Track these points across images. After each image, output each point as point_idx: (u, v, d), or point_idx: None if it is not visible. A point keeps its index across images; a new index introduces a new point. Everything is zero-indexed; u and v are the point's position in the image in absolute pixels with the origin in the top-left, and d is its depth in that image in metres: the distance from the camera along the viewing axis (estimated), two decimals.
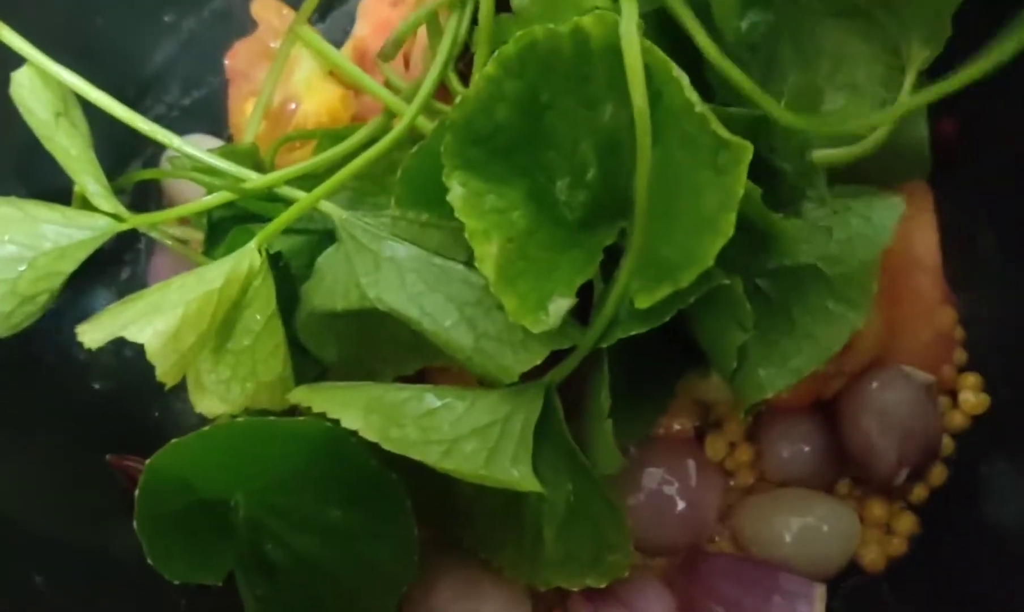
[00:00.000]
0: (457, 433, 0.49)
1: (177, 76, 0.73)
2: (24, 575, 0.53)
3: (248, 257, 0.55)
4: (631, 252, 0.49)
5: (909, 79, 0.60)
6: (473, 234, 0.49)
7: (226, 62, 0.73)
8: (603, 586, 0.52)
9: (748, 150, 0.47)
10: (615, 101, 0.49)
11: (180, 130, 0.69)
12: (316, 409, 0.50)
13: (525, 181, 0.51)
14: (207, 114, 0.73)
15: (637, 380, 0.55)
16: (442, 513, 0.55)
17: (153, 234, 0.63)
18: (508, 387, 0.51)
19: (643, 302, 0.48)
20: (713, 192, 0.48)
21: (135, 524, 0.49)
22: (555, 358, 0.51)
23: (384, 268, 0.54)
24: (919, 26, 0.60)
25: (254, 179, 0.57)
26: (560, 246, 0.51)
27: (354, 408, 0.49)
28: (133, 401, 0.63)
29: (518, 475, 0.48)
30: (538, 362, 0.50)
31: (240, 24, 0.73)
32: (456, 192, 0.49)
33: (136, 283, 0.69)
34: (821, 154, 0.57)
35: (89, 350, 0.50)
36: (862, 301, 0.50)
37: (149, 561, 0.49)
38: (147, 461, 0.50)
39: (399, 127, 0.56)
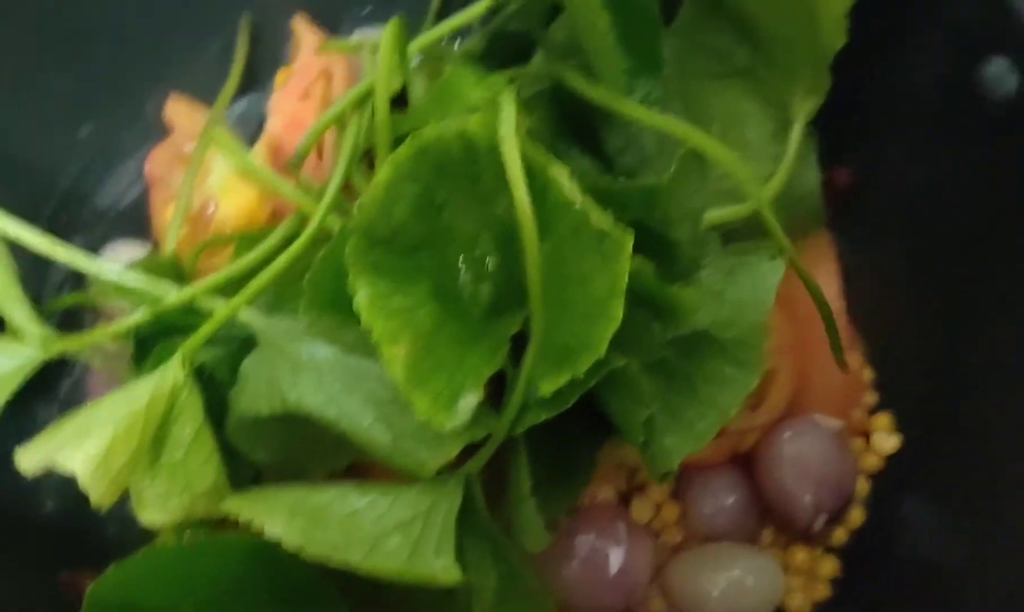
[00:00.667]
0: (380, 531, 0.51)
1: (99, 185, 0.75)
2: None
3: (172, 372, 0.57)
4: (533, 341, 0.51)
5: (796, 131, 0.63)
6: (380, 337, 0.51)
7: (145, 168, 0.74)
8: None
9: (628, 239, 0.49)
10: (506, 195, 0.51)
11: (106, 237, 0.72)
12: (244, 518, 0.52)
13: (429, 279, 0.53)
14: (132, 219, 0.75)
15: (557, 457, 0.57)
16: (380, 607, 0.57)
17: (85, 358, 0.64)
18: (429, 480, 0.53)
19: (546, 389, 0.51)
20: (601, 279, 0.50)
21: None
22: (473, 447, 0.53)
23: (303, 371, 0.56)
24: (800, 79, 0.63)
25: (172, 296, 0.59)
26: (467, 340, 0.53)
27: (278, 515, 0.51)
28: (86, 516, 0.64)
29: (440, 568, 0.50)
30: (452, 457, 0.52)
31: (157, 129, 0.75)
32: (362, 296, 0.51)
33: (78, 392, 0.70)
34: (714, 213, 0.59)
35: None
36: (754, 363, 0.53)
37: None
38: (88, 589, 0.51)
39: (308, 230, 0.59)
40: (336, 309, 0.55)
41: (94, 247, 0.72)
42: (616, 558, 0.59)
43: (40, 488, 0.65)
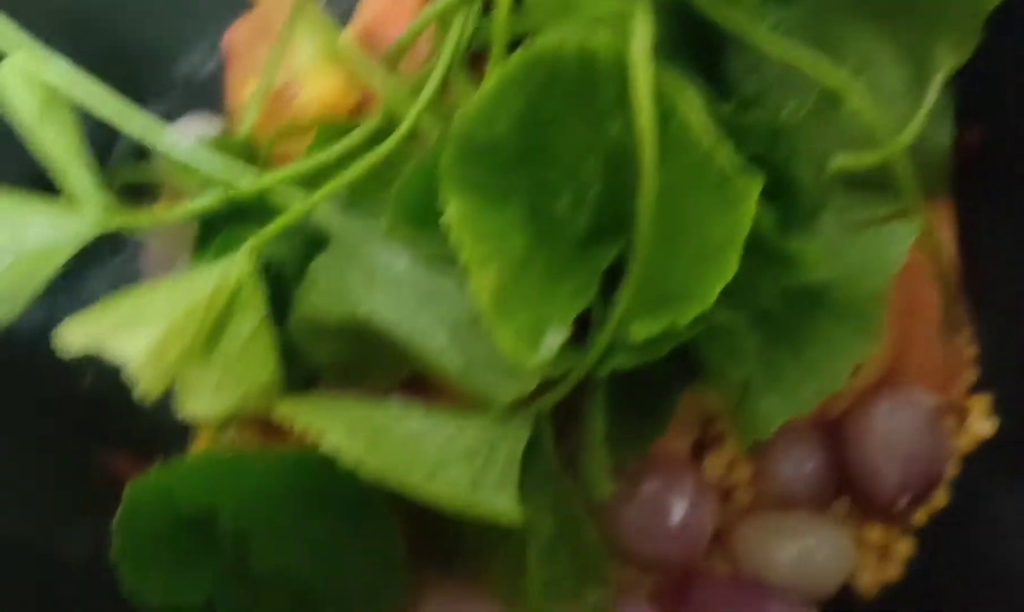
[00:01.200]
0: (442, 457, 0.48)
1: (173, 54, 0.71)
2: None
3: (238, 264, 0.54)
4: (631, 280, 0.48)
5: (936, 83, 0.58)
6: (471, 260, 0.47)
7: (224, 40, 0.70)
8: None
9: (756, 186, 0.45)
10: (623, 118, 0.47)
11: (177, 110, 0.68)
12: (300, 426, 0.49)
13: (525, 200, 0.49)
14: (206, 94, 0.71)
15: (634, 403, 0.53)
16: (430, 530, 0.54)
17: (143, 236, 0.61)
18: (497, 411, 0.50)
19: (640, 334, 0.47)
20: (719, 224, 0.46)
21: (112, 553, 0.49)
22: (547, 383, 0.50)
23: (377, 281, 0.53)
24: (948, 30, 0.58)
25: (247, 182, 0.56)
26: (559, 272, 0.49)
27: (338, 427, 0.48)
28: (124, 396, 0.61)
29: (500, 505, 0.47)
30: (528, 391, 0.49)
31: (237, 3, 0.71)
32: (454, 210, 0.47)
33: (131, 269, 0.67)
34: (842, 159, 0.55)
35: None
36: (871, 330, 0.49)
37: (125, 593, 0.49)
38: (128, 486, 0.49)
39: (400, 130, 0.55)
40: (423, 224, 0.51)
41: (164, 120, 0.68)
42: (679, 510, 0.56)
43: (81, 361, 0.62)
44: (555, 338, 0.47)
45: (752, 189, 0.45)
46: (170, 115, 0.68)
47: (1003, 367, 0.60)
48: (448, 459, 0.48)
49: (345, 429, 0.48)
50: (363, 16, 0.68)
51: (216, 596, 0.53)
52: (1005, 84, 0.60)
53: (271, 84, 0.65)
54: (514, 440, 0.49)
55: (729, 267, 0.45)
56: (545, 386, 0.50)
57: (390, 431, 0.49)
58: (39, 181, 0.58)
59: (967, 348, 0.61)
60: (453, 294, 0.51)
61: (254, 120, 0.63)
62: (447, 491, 0.47)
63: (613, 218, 0.49)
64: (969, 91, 0.59)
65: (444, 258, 0.52)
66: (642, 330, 0.47)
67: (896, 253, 0.49)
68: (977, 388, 0.60)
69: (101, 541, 0.50)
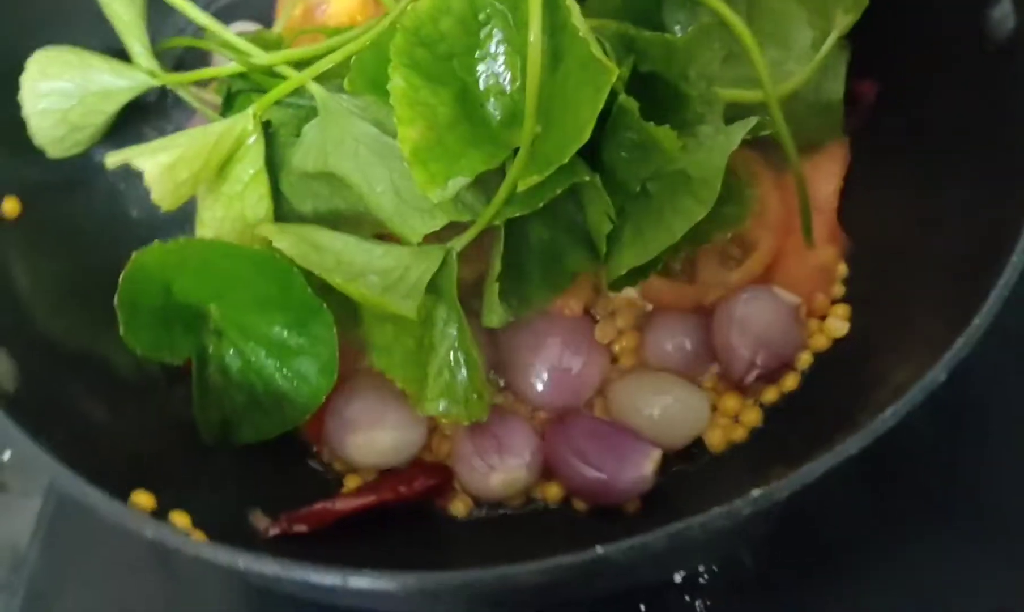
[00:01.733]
0: (365, 267, 0.62)
1: None
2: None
3: (244, 119, 0.69)
4: (521, 149, 0.60)
5: (828, 42, 0.70)
6: (400, 119, 0.61)
7: None
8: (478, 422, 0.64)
9: (614, 71, 0.58)
10: None
11: (232, 16, 0.84)
12: (266, 236, 0.64)
13: (457, 85, 0.63)
14: (262, 7, 0.86)
15: (535, 259, 0.67)
16: (364, 342, 0.68)
17: (182, 94, 0.76)
18: (418, 246, 0.64)
19: (522, 186, 0.60)
20: (586, 103, 0.59)
21: (115, 300, 0.63)
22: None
23: (346, 140, 0.66)
24: None
25: (259, 56, 0.70)
26: (474, 142, 0.62)
27: (290, 237, 0.63)
28: (161, 227, 0.76)
29: (403, 308, 0.60)
30: (438, 226, 0.63)
31: None
32: (396, 84, 0.61)
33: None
34: (729, 91, 0.67)
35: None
36: (709, 197, 0.60)
37: (120, 333, 0.63)
38: (133, 255, 0.63)
39: (376, 22, 0.69)
40: (373, 91, 0.65)
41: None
42: (570, 363, 0.68)
43: (128, 198, 0.77)
44: (458, 182, 0.61)
45: (611, 72, 0.57)
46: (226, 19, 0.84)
47: (865, 286, 0.70)
48: (369, 269, 0.62)
49: (294, 239, 0.63)
50: None
51: (193, 371, 0.67)
52: (898, 43, 0.71)
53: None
54: (425, 267, 0.63)
55: (583, 135, 0.58)
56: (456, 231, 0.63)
57: (330, 245, 0.64)
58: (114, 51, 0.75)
59: (838, 266, 0.71)
60: (396, 150, 0.64)
61: (286, 25, 0.79)
62: (363, 290, 0.61)
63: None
64: (866, 49, 0.70)
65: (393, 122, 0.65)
66: (523, 183, 0.60)
67: (732, 141, 0.60)
68: (841, 300, 0.71)
69: None
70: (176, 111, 0.81)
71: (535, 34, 0.58)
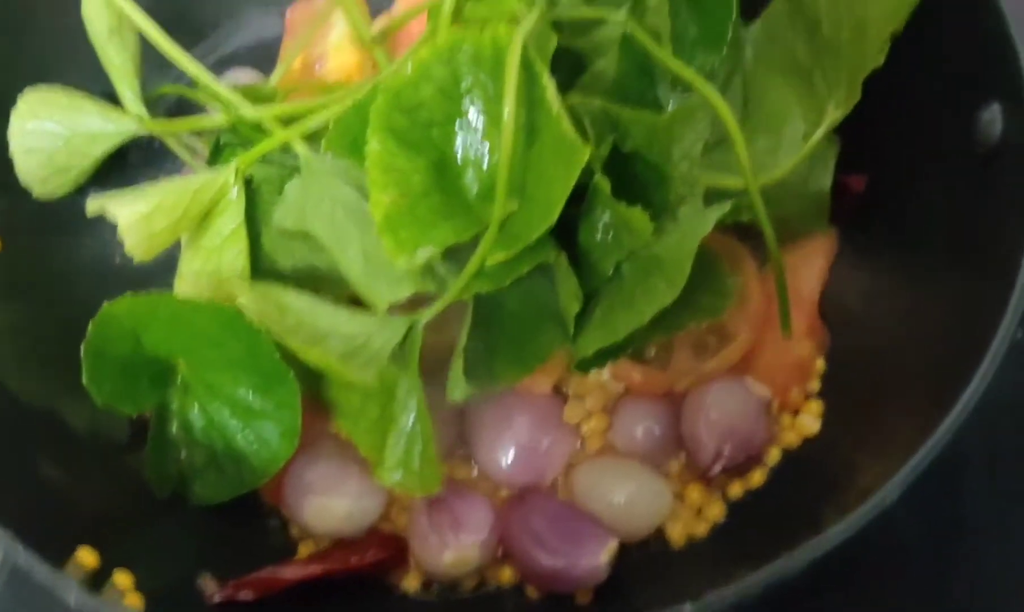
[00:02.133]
0: (326, 332, 0.62)
1: (246, 21, 0.88)
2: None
3: (227, 173, 0.69)
4: (492, 225, 0.60)
5: (817, 135, 0.69)
6: (373, 183, 0.61)
7: (287, 15, 0.86)
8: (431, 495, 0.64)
9: (586, 150, 0.57)
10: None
11: (234, 63, 0.85)
12: (233, 292, 0.63)
13: (436, 152, 0.63)
14: (265, 58, 0.86)
15: (506, 336, 0.66)
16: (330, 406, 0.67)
17: (169, 142, 0.76)
18: (384, 315, 0.63)
19: (490, 262, 0.59)
20: (558, 182, 0.58)
21: (82, 348, 0.62)
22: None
23: (324, 200, 0.66)
24: (838, 89, 0.68)
25: (246, 110, 0.70)
26: (447, 213, 0.62)
27: (254, 294, 0.62)
28: (143, 278, 0.76)
29: (359, 374, 0.60)
30: (404, 296, 0.63)
31: None
32: (373, 148, 0.61)
33: None
34: (711, 175, 0.66)
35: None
36: (679, 281, 0.59)
37: (84, 381, 0.63)
38: (104, 305, 0.63)
39: (362, 85, 0.68)
40: (351, 154, 0.65)
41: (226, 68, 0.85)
42: (542, 441, 0.68)
43: (113, 243, 0.77)
44: (425, 253, 0.60)
45: (583, 151, 0.57)
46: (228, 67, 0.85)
47: (841, 384, 0.69)
48: (332, 334, 0.62)
49: (258, 297, 0.62)
50: (393, 12, 0.83)
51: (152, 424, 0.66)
52: (888, 139, 0.70)
53: (306, 50, 0.81)
54: (389, 336, 0.62)
55: (553, 214, 0.57)
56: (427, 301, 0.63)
57: (296, 306, 0.63)
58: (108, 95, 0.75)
59: (815, 361, 0.70)
60: (371, 217, 0.64)
61: (281, 78, 0.79)
62: (322, 356, 0.60)
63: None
64: (857, 143, 0.70)
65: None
66: (491, 259, 0.59)
67: (704, 225, 0.59)
68: (816, 397, 0.69)
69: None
70: (170, 158, 0.81)
71: (509, 109, 0.58)
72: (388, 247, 0.60)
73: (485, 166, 0.63)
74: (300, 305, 0.63)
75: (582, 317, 0.63)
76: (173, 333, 0.65)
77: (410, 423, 0.63)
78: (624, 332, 0.60)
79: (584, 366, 0.63)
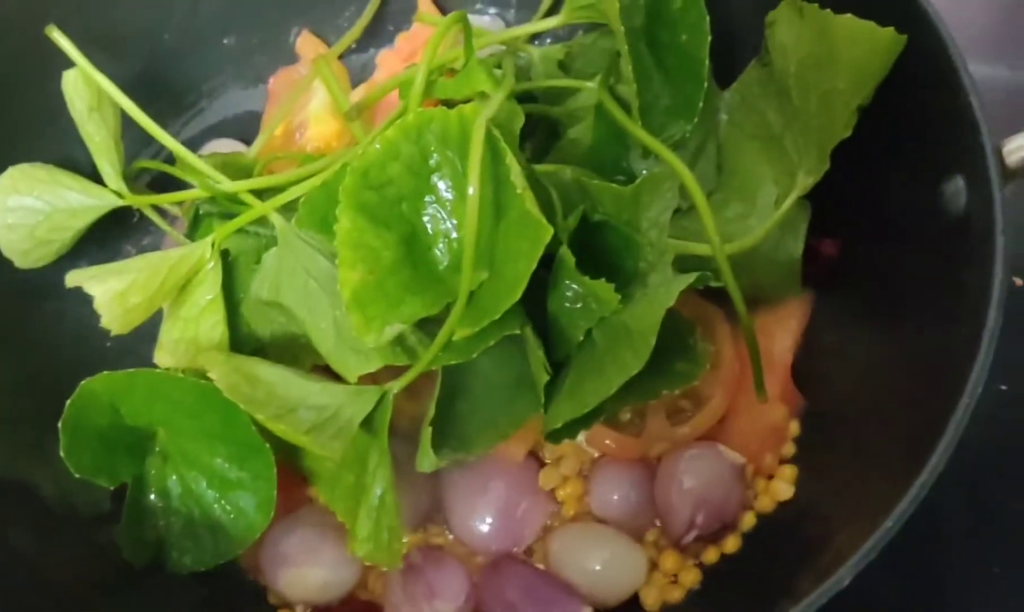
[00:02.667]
0: (296, 403, 0.62)
1: (229, 90, 0.89)
2: None
3: (203, 247, 0.70)
4: (459, 300, 0.61)
5: (788, 202, 0.70)
6: (342, 261, 0.62)
7: (269, 84, 0.88)
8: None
9: (548, 230, 0.58)
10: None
11: (217, 134, 0.86)
12: (205, 366, 0.64)
13: (406, 226, 0.64)
14: (249, 125, 0.88)
15: (479, 405, 0.67)
16: (308, 476, 0.68)
17: (148, 214, 0.78)
18: (355, 386, 0.64)
19: (457, 335, 0.60)
20: (523, 258, 0.59)
21: (60, 423, 0.63)
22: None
23: (298, 272, 0.68)
24: (808, 157, 0.69)
25: (223, 184, 0.72)
26: (414, 288, 0.63)
27: (224, 368, 0.63)
28: (126, 344, 0.77)
29: (327, 446, 0.60)
30: (372, 369, 0.64)
31: (287, 55, 0.89)
32: (342, 225, 0.62)
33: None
34: (689, 244, 0.67)
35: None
36: (644, 352, 0.60)
37: (61, 454, 0.64)
38: (82, 382, 0.64)
39: (334, 159, 0.70)
40: (322, 230, 0.66)
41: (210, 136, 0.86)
42: (518, 508, 0.69)
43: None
44: (393, 329, 0.61)
45: (545, 232, 0.58)
46: (212, 137, 0.86)
47: (813, 450, 0.69)
48: (301, 405, 0.63)
49: (228, 370, 0.63)
50: (371, 81, 0.84)
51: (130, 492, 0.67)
52: (857, 206, 0.71)
53: (287, 118, 0.82)
54: (359, 407, 0.63)
55: (517, 291, 0.58)
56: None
57: (266, 378, 0.64)
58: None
59: (789, 425, 0.70)
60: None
61: (261, 148, 0.80)
62: (288, 427, 0.61)
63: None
64: (828, 209, 0.70)
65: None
66: (459, 333, 0.60)
67: (670, 295, 0.60)
68: (790, 460, 0.70)
69: None
70: (153, 226, 0.82)
71: (474, 186, 0.59)
72: (356, 325, 0.61)
73: (454, 240, 0.64)
74: (271, 377, 0.64)
75: (553, 387, 0.64)
76: (151, 404, 0.66)
77: (378, 494, 0.64)
78: (594, 402, 0.61)
79: (555, 437, 0.64)
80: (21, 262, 0.75)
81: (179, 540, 0.68)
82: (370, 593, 0.69)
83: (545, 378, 0.63)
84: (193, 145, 0.84)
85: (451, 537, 0.70)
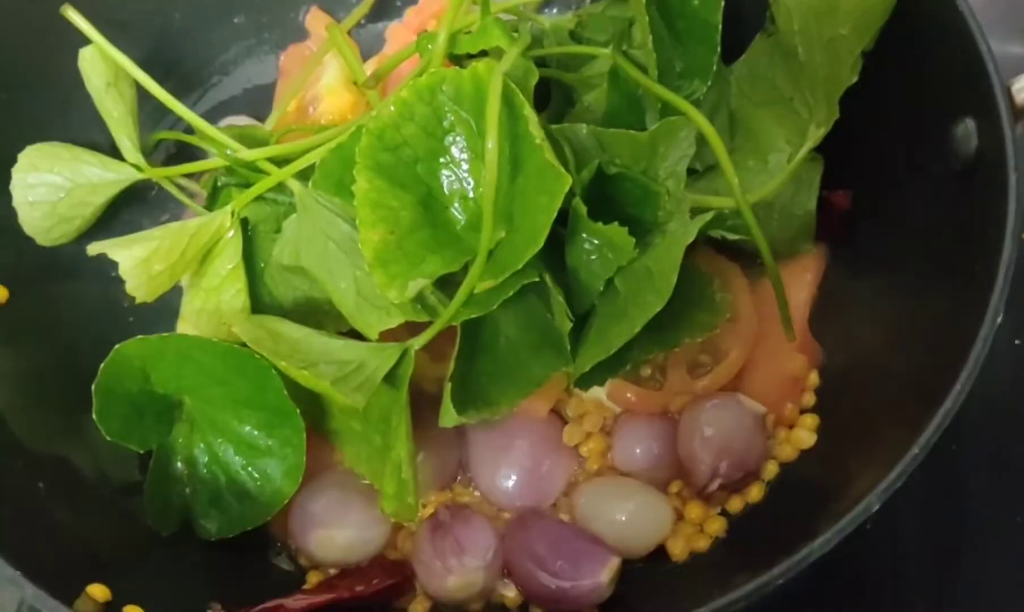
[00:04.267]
0: (320, 357, 0.65)
1: (240, 67, 0.92)
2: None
3: (223, 216, 0.73)
4: (479, 254, 0.63)
5: (799, 157, 0.72)
6: (362, 221, 0.64)
7: (280, 61, 0.91)
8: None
9: (567, 179, 0.61)
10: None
11: (230, 111, 0.89)
12: (231, 324, 0.67)
13: (422, 187, 0.66)
14: (261, 102, 0.91)
15: (502, 362, 0.69)
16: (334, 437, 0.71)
17: (167, 187, 0.81)
18: (377, 343, 0.66)
19: (480, 288, 0.63)
20: (543, 210, 0.62)
21: (93, 386, 0.66)
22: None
23: (317, 236, 0.70)
24: (818, 110, 0.72)
25: (240, 153, 0.74)
26: (435, 246, 0.66)
27: (249, 325, 0.66)
28: (148, 320, 0.80)
29: (351, 396, 0.63)
30: (394, 325, 0.66)
31: (298, 32, 0.91)
32: (360, 186, 0.65)
33: None
34: (699, 196, 0.70)
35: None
36: (666, 291, 0.63)
37: (93, 416, 0.66)
38: (115, 347, 0.66)
39: (351, 124, 0.72)
40: (339, 193, 0.69)
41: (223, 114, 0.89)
42: (542, 464, 0.71)
43: (118, 286, 0.79)
44: (417, 284, 0.64)
45: (565, 179, 0.60)
46: (226, 113, 0.89)
47: (834, 397, 0.72)
48: (322, 360, 0.65)
49: (253, 326, 0.66)
50: (382, 54, 0.87)
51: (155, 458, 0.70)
52: (869, 155, 0.74)
53: (300, 93, 0.85)
54: (381, 362, 0.66)
55: (540, 239, 0.61)
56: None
57: (290, 334, 0.67)
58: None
59: (809, 376, 0.73)
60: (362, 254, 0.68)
61: (277, 122, 0.83)
62: (314, 378, 0.63)
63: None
64: (840, 160, 0.73)
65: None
66: (481, 285, 0.63)
67: (689, 233, 0.63)
68: (810, 410, 0.72)
69: None
70: (172, 202, 0.85)
71: (492, 142, 0.62)
72: (379, 282, 0.64)
73: (471, 198, 0.66)
74: (295, 333, 0.67)
75: (578, 335, 0.67)
76: (181, 370, 0.69)
77: (400, 450, 0.66)
78: (619, 343, 0.64)
79: (583, 383, 0.67)
80: (43, 239, 0.78)
81: (205, 508, 0.71)
82: (399, 552, 0.71)
83: (568, 325, 0.65)
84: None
85: (477, 495, 0.73)
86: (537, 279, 0.65)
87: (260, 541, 0.72)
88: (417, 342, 0.66)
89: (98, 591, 0.60)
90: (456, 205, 0.67)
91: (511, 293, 0.63)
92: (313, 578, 0.71)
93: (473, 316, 0.65)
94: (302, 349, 0.65)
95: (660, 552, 0.70)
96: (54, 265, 0.80)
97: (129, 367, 0.67)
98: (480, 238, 0.64)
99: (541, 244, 0.61)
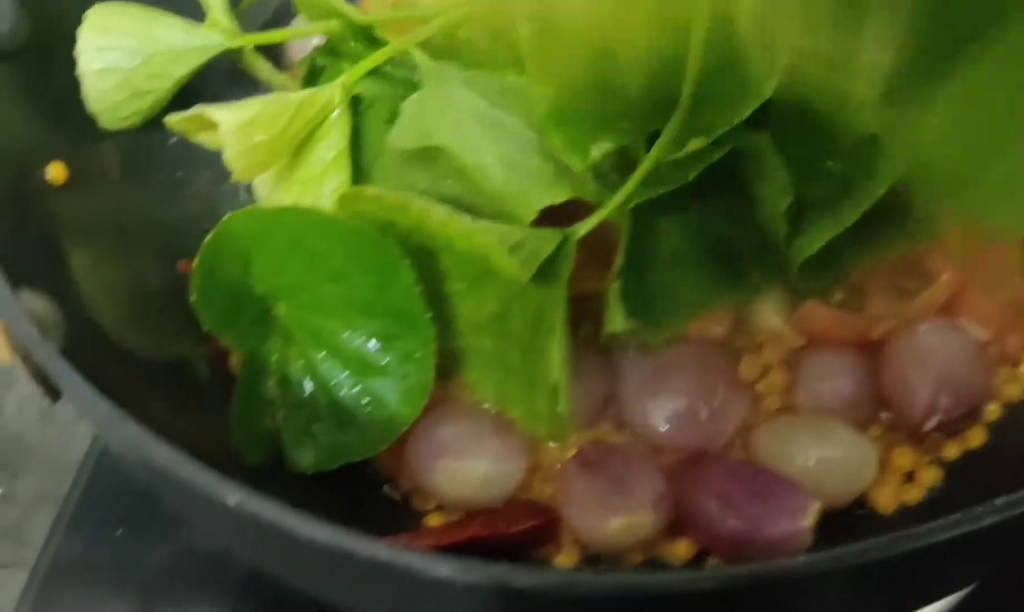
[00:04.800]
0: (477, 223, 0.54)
1: None
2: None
3: (331, 90, 0.62)
4: (683, 98, 0.52)
5: None
6: (536, 74, 0.54)
7: None
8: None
9: None
10: None
11: None
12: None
13: (594, 57, 0.55)
14: None
15: (665, 277, 0.58)
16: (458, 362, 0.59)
17: (257, 66, 0.69)
18: (533, 227, 0.55)
19: (673, 156, 0.52)
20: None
21: (194, 263, 0.56)
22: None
23: (450, 111, 0.59)
24: None
25: (355, 16, 0.63)
26: (611, 111, 0.55)
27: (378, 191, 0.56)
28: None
29: (519, 270, 0.53)
30: (559, 200, 0.55)
31: None
32: (529, 44, 0.54)
33: None
34: None
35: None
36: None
37: (192, 299, 0.56)
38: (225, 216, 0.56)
39: None
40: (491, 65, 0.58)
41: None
42: (710, 401, 0.59)
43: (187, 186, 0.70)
44: (602, 147, 0.53)
45: None
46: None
47: None
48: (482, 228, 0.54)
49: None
50: None
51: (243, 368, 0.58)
52: None
53: None
54: (541, 245, 0.54)
55: (764, 92, 0.50)
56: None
57: (417, 208, 0.56)
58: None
59: None
60: (510, 127, 0.57)
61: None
62: (476, 234, 0.54)
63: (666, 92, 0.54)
64: None
65: (508, 100, 0.58)
66: (693, 145, 0.52)
67: None
68: None
69: None
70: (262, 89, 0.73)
71: None
72: (557, 144, 0.54)
73: (649, 70, 0.55)
74: (431, 207, 0.55)
75: (791, 216, 0.55)
76: (286, 263, 0.57)
77: (555, 353, 0.55)
78: (851, 218, 0.54)
79: (806, 275, 0.57)
80: (108, 120, 0.66)
81: (299, 436, 0.58)
82: (535, 497, 0.59)
83: (786, 202, 0.54)
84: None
85: (630, 436, 0.60)
86: (754, 140, 0.53)
87: (367, 474, 0.60)
88: (583, 228, 0.55)
89: None
90: (627, 74, 0.55)
91: (715, 158, 0.52)
92: (433, 521, 0.58)
93: (658, 193, 0.53)
94: (455, 219, 0.54)
95: (857, 506, 0.58)
96: (115, 160, 0.68)
97: (232, 247, 0.56)
98: (660, 112, 0.53)
99: (766, 96, 0.50)
